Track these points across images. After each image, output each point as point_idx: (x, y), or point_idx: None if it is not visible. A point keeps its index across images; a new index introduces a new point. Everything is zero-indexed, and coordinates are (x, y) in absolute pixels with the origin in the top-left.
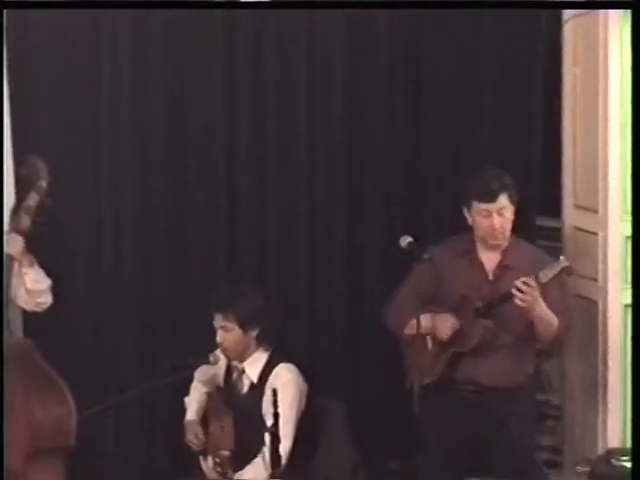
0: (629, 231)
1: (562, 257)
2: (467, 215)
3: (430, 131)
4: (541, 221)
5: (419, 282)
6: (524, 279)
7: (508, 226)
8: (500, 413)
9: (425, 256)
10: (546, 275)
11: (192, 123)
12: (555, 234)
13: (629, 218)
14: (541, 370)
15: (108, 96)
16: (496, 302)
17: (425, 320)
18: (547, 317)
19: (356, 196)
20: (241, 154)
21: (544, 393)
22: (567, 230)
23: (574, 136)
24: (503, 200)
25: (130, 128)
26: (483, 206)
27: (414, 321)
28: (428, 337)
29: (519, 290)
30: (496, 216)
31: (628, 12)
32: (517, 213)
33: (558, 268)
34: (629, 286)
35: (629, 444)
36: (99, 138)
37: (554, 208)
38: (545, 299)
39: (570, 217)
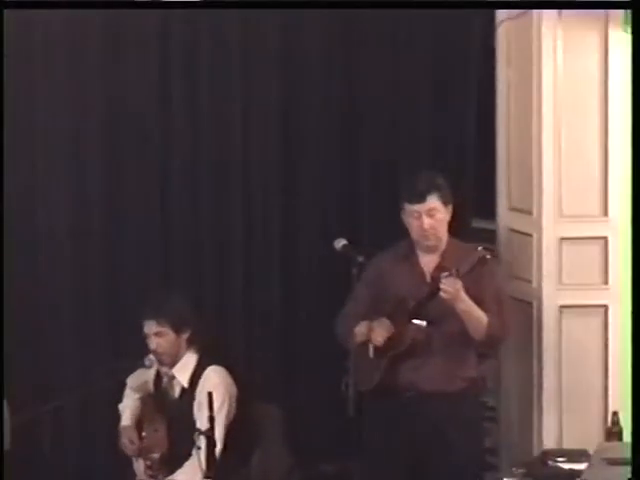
0: (563, 232)
1: (480, 248)
2: (403, 218)
3: (365, 133)
4: (476, 223)
5: (363, 292)
6: (445, 273)
7: (440, 227)
8: (439, 418)
9: (359, 259)
10: (464, 266)
11: (126, 127)
12: (490, 236)
13: (563, 220)
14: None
15: (42, 100)
16: (425, 300)
17: (360, 329)
18: (473, 312)
19: (291, 199)
20: (175, 155)
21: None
22: (502, 232)
23: (508, 138)
24: (433, 201)
25: (62, 134)
26: (412, 207)
27: (356, 330)
28: (370, 345)
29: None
30: (426, 217)
31: (564, 12)
32: (454, 214)
33: (475, 258)
34: (563, 287)
35: (565, 445)
36: (31, 144)
37: (489, 210)
38: (472, 295)
39: (505, 219)
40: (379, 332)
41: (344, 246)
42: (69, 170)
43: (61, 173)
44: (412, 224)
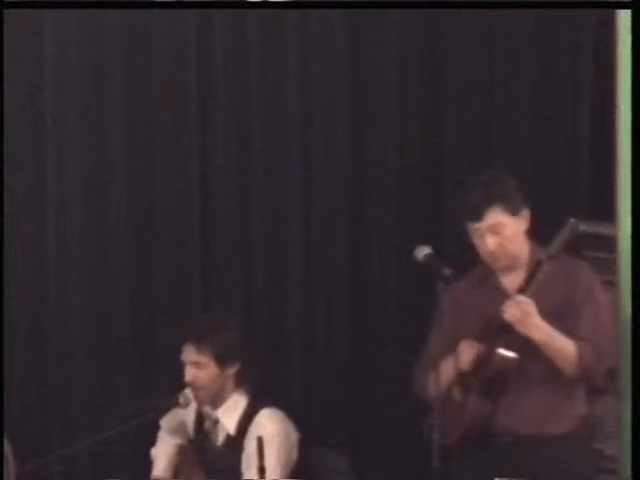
0: None
1: (572, 220)
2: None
3: (455, 123)
4: (588, 227)
5: (442, 335)
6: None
7: (512, 244)
8: (541, 468)
9: (447, 272)
10: (555, 246)
11: (160, 133)
12: (607, 243)
13: None
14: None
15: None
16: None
17: (447, 366)
18: (553, 342)
19: (361, 203)
20: (220, 154)
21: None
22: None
23: (632, 121)
24: (495, 215)
25: (88, 143)
26: (473, 226)
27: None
28: (454, 389)
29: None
30: (490, 236)
31: None
32: (532, 220)
33: (566, 234)
34: None
35: None
36: (56, 154)
37: (605, 211)
38: (560, 313)
39: (626, 222)
40: (465, 352)
41: (427, 256)
42: (95, 178)
43: (83, 173)
44: (477, 244)
